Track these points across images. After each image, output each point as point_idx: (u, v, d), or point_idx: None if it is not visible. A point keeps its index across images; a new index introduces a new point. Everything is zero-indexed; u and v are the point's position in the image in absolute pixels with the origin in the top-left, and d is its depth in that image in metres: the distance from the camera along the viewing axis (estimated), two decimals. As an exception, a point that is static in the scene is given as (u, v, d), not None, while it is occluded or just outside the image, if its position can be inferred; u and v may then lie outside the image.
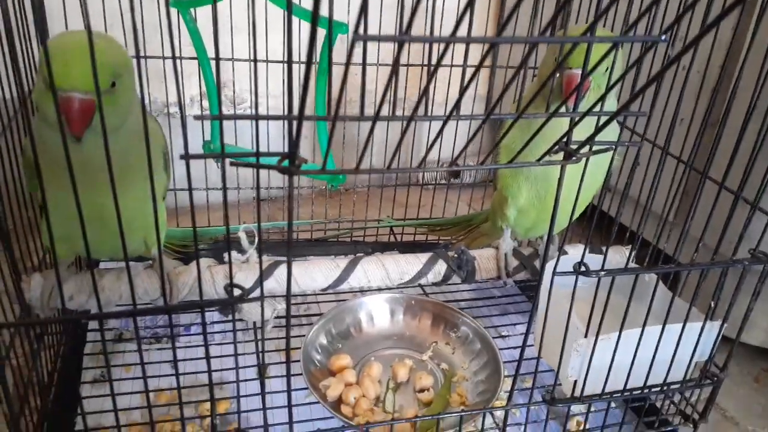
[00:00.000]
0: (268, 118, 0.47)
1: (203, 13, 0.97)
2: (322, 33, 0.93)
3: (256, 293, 0.85)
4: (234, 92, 1.38)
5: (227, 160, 0.47)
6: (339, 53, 1.33)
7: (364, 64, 0.44)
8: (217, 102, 0.98)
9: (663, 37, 0.37)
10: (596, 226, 0.75)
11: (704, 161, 0.71)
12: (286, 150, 0.45)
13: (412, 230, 1.29)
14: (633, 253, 0.82)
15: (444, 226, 1.20)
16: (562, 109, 0.77)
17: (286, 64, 0.40)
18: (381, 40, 0.35)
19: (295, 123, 0.44)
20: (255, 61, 0.87)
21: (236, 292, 0.76)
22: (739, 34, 0.82)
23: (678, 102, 0.62)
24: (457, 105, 0.44)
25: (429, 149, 0.52)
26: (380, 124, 0.78)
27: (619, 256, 0.89)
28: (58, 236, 0.73)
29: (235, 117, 0.45)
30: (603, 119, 0.50)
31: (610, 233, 0.66)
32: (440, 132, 0.48)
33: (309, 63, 0.35)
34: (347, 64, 0.34)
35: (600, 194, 0.90)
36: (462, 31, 0.35)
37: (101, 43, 0.62)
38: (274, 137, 1.20)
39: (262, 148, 0.46)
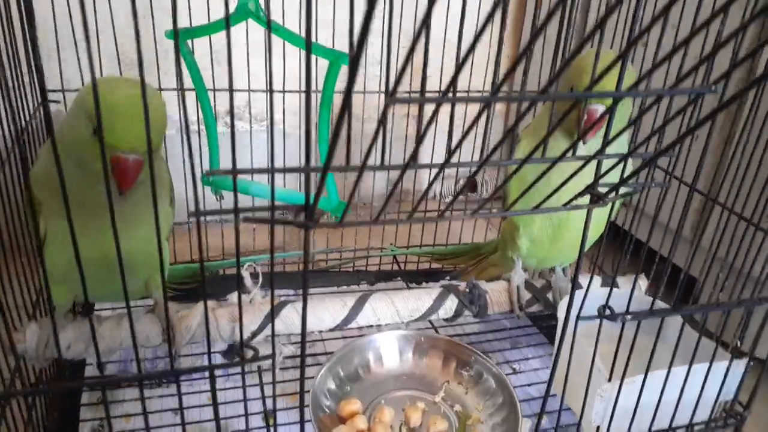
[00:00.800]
0: (284, 170, 0.44)
1: (201, 44, 0.95)
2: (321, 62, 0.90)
3: (261, 337, 0.82)
4: (250, 112, 1.35)
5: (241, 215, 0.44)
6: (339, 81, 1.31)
7: (384, 120, 0.40)
8: (217, 146, 0.94)
9: (713, 88, 0.34)
10: (612, 244, 0.72)
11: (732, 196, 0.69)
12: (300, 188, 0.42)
13: (416, 258, 1.26)
14: (659, 291, 0.79)
15: (450, 256, 1.17)
16: (584, 150, 0.75)
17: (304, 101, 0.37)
18: (424, 102, 0.32)
19: (313, 175, 0.41)
20: (271, 91, 0.84)
21: (247, 352, 0.73)
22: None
23: (705, 146, 0.60)
24: (451, 155, 0.41)
25: (425, 193, 0.49)
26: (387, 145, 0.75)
27: (636, 289, 0.86)
28: (58, 278, 0.70)
29: (252, 171, 0.42)
30: (629, 160, 0.48)
31: (630, 256, 0.63)
32: (438, 173, 0.45)
33: (339, 127, 0.32)
34: (382, 122, 0.31)
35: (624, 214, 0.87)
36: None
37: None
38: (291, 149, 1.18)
39: (277, 161, 0.43)
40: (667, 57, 0.35)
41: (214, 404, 0.54)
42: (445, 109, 1.25)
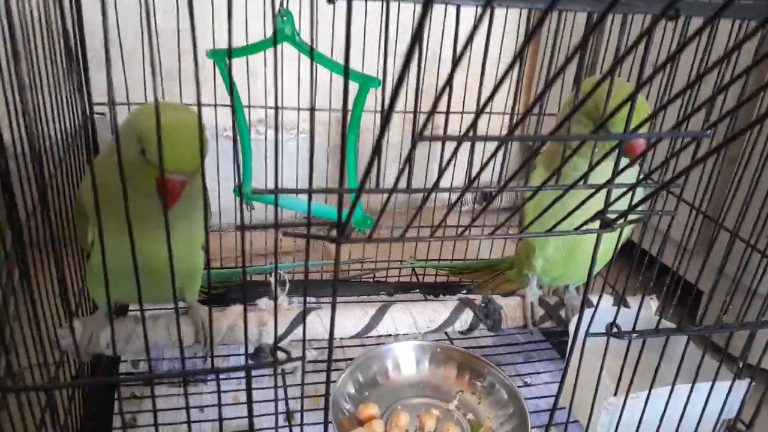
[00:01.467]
0: (321, 191, 0.49)
1: (239, 63, 1.00)
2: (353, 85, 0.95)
3: (285, 342, 0.87)
4: (281, 122, 1.41)
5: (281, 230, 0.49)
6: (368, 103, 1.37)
7: (410, 157, 0.44)
8: (250, 158, 1.00)
9: (708, 132, 0.38)
10: (629, 262, 0.76)
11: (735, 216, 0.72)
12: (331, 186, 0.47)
13: (434, 271, 1.30)
14: (659, 307, 0.83)
15: (467, 270, 1.21)
16: (595, 177, 0.78)
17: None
18: (446, 140, 0.37)
19: (347, 199, 0.46)
20: (313, 110, 0.89)
21: (280, 354, 0.78)
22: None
23: (711, 173, 0.64)
24: (470, 183, 0.46)
25: (445, 216, 0.54)
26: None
27: (645, 308, 0.90)
28: (101, 283, 0.76)
29: (292, 191, 0.47)
30: (638, 187, 0.52)
31: (646, 270, 0.67)
32: (459, 199, 0.49)
33: (376, 152, 0.37)
34: (410, 155, 0.36)
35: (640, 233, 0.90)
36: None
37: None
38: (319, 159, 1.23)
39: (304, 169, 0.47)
40: (671, 101, 0.40)
41: (249, 402, 0.58)
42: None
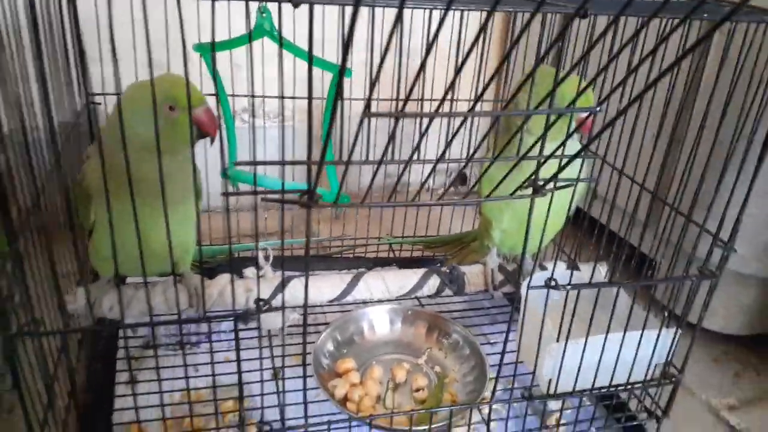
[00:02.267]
0: (294, 163, 0.59)
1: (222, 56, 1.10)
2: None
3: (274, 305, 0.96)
4: (263, 110, 1.51)
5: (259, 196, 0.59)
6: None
7: (359, 129, 0.55)
8: (235, 142, 1.09)
9: (597, 109, 0.48)
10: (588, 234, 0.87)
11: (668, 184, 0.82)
12: (305, 180, 0.56)
13: (410, 247, 1.40)
14: (608, 270, 0.93)
15: (438, 244, 1.31)
16: (533, 152, 0.89)
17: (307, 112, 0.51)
18: (382, 116, 0.46)
19: (314, 168, 0.55)
20: (282, 97, 0.98)
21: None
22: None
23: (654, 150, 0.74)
24: (443, 155, 0.56)
25: (423, 184, 0.64)
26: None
27: (597, 273, 1.00)
28: (106, 256, 0.85)
29: (266, 163, 0.57)
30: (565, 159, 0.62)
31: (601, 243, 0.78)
32: (432, 169, 0.59)
33: (329, 132, 0.47)
34: (356, 137, 0.46)
35: (589, 203, 1.00)
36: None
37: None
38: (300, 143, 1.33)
39: (288, 155, 0.57)
40: (593, 79, 0.50)
41: (237, 348, 0.68)
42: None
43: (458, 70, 0.46)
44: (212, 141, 0.78)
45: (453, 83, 0.47)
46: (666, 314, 0.83)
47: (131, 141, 0.74)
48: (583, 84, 0.67)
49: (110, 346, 1.02)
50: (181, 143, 0.76)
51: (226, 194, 0.58)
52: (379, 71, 0.41)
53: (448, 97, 0.49)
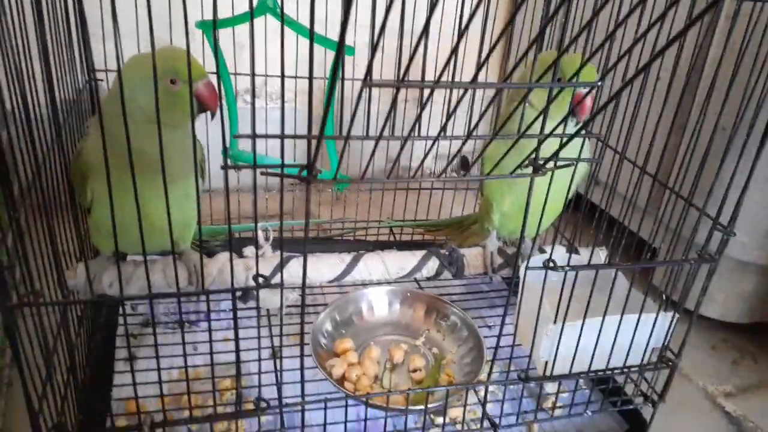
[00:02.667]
0: (293, 137, 0.59)
1: (224, 34, 1.09)
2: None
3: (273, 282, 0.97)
4: (266, 92, 1.51)
5: (258, 170, 0.58)
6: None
7: (358, 101, 0.54)
8: (237, 120, 1.09)
9: (600, 83, 0.48)
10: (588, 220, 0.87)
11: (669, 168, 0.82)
12: (305, 161, 0.56)
13: (410, 230, 1.41)
14: (607, 255, 0.93)
15: (438, 227, 1.31)
16: (534, 130, 0.88)
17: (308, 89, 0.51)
18: (383, 86, 0.46)
19: (313, 142, 0.55)
20: (283, 77, 0.98)
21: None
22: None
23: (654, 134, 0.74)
24: (444, 129, 0.56)
25: (423, 161, 0.64)
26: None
27: (596, 256, 1.00)
28: (106, 232, 0.84)
29: (266, 136, 0.57)
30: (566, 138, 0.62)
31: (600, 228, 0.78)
32: (433, 144, 0.59)
33: (329, 104, 0.46)
34: (356, 108, 0.46)
35: (590, 188, 1.00)
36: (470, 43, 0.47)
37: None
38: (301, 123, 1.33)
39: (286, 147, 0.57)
40: (591, 56, 0.50)
41: (235, 325, 0.68)
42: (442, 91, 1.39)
43: (461, 35, 0.45)
44: (212, 116, 0.77)
45: (456, 49, 0.47)
46: (664, 298, 0.83)
47: (132, 113, 0.74)
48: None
49: (110, 324, 1.03)
50: (181, 116, 0.76)
51: (225, 167, 0.58)
52: (380, 37, 0.41)
53: (451, 70, 0.49)
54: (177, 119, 0.76)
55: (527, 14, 1.38)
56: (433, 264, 1.02)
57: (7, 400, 0.92)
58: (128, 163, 0.60)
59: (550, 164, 0.64)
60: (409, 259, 1.02)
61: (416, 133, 0.59)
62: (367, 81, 0.44)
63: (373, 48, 0.42)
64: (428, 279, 1.05)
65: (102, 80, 1.08)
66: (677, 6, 0.41)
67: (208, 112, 0.78)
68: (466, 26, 0.40)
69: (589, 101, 0.85)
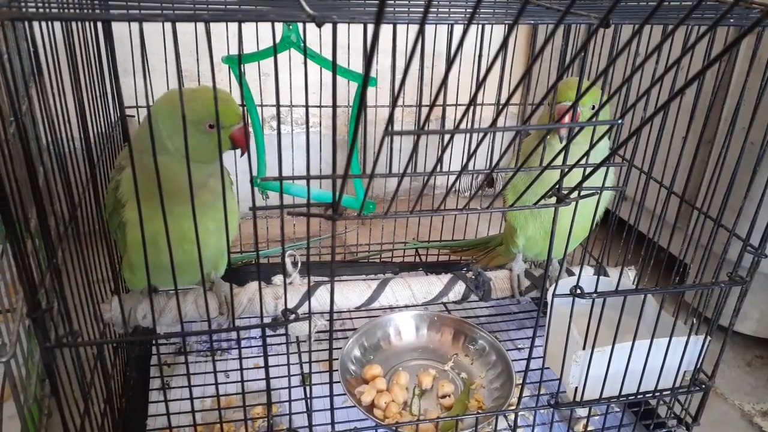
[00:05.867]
0: (319, 177, 0.60)
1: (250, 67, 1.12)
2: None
3: (300, 312, 0.98)
4: (291, 118, 1.54)
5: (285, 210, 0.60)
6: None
7: (380, 149, 0.56)
8: (264, 153, 1.11)
9: (620, 121, 0.49)
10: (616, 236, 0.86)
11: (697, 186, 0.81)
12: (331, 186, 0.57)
13: (436, 251, 1.41)
14: (636, 275, 0.93)
15: (464, 248, 1.32)
16: (558, 161, 0.89)
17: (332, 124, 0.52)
18: (404, 134, 0.47)
19: (338, 181, 0.56)
20: (307, 107, 1.00)
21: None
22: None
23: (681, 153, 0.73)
24: (465, 167, 0.57)
25: (446, 196, 0.65)
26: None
27: (624, 278, 0.99)
28: (140, 266, 0.85)
29: (292, 178, 0.58)
30: (589, 169, 0.62)
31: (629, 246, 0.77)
32: (455, 181, 0.60)
33: (353, 147, 0.48)
34: (377, 155, 0.47)
35: (617, 205, 0.99)
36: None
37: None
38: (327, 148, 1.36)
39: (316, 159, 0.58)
40: (616, 91, 0.50)
41: (265, 354, 0.70)
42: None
43: (479, 86, 0.46)
44: (242, 154, 0.79)
45: (474, 98, 0.47)
46: (694, 320, 0.82)
47: (166, 149, 0.76)
48: (605, 97, 0.67)
49: (144, 353, 1.05)
50: (214, 155, 0.79)
51: (253, 209, 0.59)
52: (400, 89, 0.42)
53: (472, 105, 0.50)
54: (210, 157, 0.79)
55: (545, 51, 1.38)
56: (459, 288, 1.03)
57: (46, 430, 0.94)
58: (158, 195, 0.60)
59: (574, 194, 0.65)
60: (435, 284, 1.02)
61: (439, 169, 0.59)
62: (388, 130, 0.45)
63: (394, 99, 0.43)
64: (455, 303, 1.05)
65: (133, 116, 1.11)
66: (696, 43, 0.41)
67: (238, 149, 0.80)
68: (485, 77, 0.41)
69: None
